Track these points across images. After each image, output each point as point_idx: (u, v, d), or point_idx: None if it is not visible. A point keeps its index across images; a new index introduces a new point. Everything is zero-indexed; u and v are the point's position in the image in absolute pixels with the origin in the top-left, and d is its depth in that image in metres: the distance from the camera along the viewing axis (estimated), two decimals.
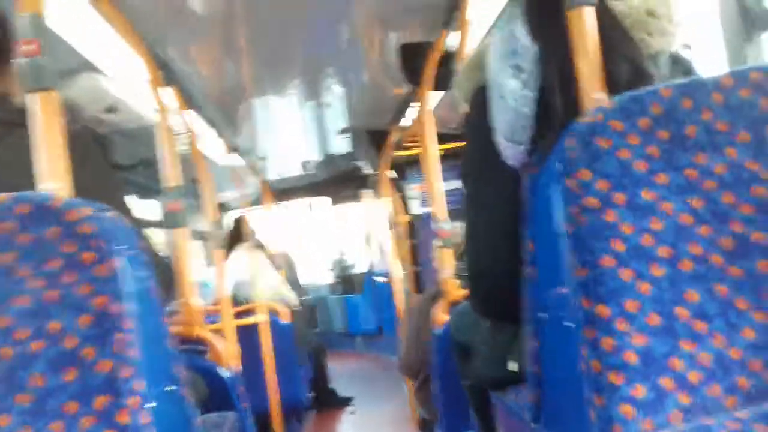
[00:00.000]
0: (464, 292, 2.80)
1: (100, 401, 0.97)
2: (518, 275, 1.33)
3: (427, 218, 4.97)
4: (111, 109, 2.89)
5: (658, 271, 1.02)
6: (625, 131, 1.08)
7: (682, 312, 1.01)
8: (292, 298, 4.30)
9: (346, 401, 5.23)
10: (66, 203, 1.04)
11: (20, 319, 1.00)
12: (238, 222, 4.09)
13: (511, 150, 1.32)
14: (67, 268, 1.01)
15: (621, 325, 0.99)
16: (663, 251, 1.04)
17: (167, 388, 1.16)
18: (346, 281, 8.25)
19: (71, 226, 1.02)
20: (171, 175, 2.23)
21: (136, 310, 1.05)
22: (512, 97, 1.29)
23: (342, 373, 6.06)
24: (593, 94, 1.16)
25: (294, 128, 5.11)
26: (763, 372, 1.01)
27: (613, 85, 1.19)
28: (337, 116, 4.96)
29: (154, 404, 1.04)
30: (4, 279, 1.01)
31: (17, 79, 1.19)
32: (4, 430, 0.96)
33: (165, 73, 2.41)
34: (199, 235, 5.32)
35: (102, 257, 1.01)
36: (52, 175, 1.11)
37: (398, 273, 4.78)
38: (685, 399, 0.98)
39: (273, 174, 6.73)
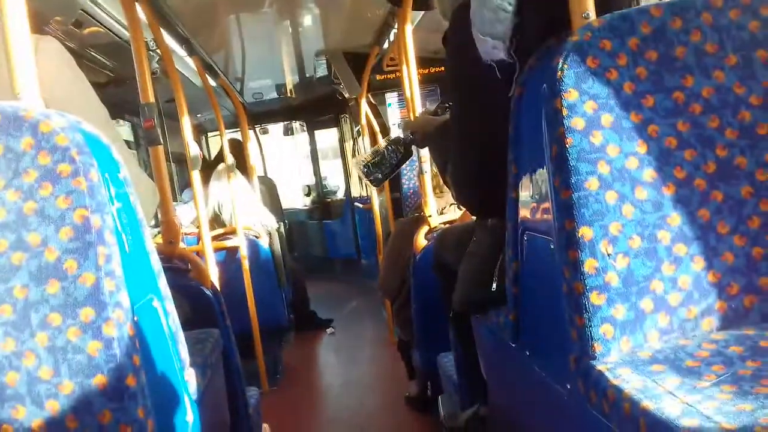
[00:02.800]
0: (443, 219, 2.82)
1: (85, 314, 0.96)
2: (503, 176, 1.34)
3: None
4: (79, 23, 2.77)
5: (641, 194, 1.02)
6: (614, 51, 1.06)
7: (663, 235, 1.02)
8: (272, 221, 4.29)
9: (325, 323, 5.32)
10: (39, 114, 1.01)
11: None
12: (227, 148, 4.04)
13: (484, 45, 1.30)
14: (43, 179, 0.98)
15: (604, 247, 0.99)
16: (647, 174, 1.03)
17: (152, 303, 1.16)
18: (325, 206, 8.25)
19: (46, 137, 0.99)
20: (145, 92, 2.17)
21: (118, 224, 1.03)
22: None
23: (321, 296, 6.14)
24: (582, 11, 1.13)
25: (269, 49, 4.99)
26: (740, 296, 1.03)
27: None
28: (313, 38, 4.83)
29: (138, 318, 1.04)
30: None
31: None
32: None
33: None
34: (176, 157, 5.24)
35: (78, 169, 0.99)
36: (24, 86, 1.07)
37: (377, 199, 4.79)
38: (663, 320, 1.00)
39: (249, 97, 6.61)
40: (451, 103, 1.64)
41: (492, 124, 1.38)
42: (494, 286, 1.47)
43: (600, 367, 0.96)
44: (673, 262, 1.02)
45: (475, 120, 1.47)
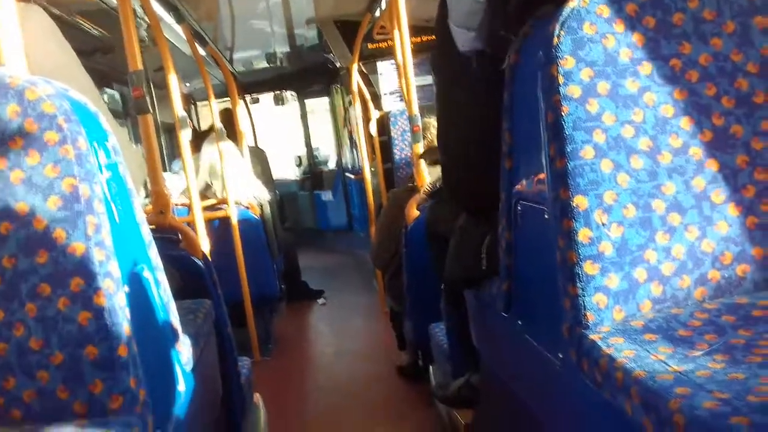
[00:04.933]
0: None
1: (75, 283, 0.95)
2: (491, 167, 1.32)
3: (398, 114, 4.90)
4: None
5: (637, 163, 1.01)
6: (611, 17, 1.04)
7: (658, 204, 1.02)
8: (264, 192, 4.26)
9: (317, 294, 5.34)
10: (25, 81, 0.98)
11: None
12: (217, 116, 3.99)
13: (462, 36, 1.29)
14: (30, 147, 0.96)
15: (598, 217, 0.99)
16: (643, 143, 1.02)
17: (143, 273, 1.15)
18: (316, 177, 8.22)
19: (32, 104, 0.97)
20: (133, 59, 2.13)
21: (107, 193, 1.01)
22: None
23: (313, 267, 6.15)
24: None
25: (259, 17, 4.91)
26: (734, 265, 1.03)
27: None
28: (304, 5, 4.76)
29: (129, 287, 1.03)
30: None
31: None
32: None
33: None
34: (166, 127, 5.19)
35: (66, 137, 0.97)
36: (8, 53, 1.04)
37: (369, 170, 4.77)
38: (656, 290, 1.00)
39: (239, 66, 6.53)
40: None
41: (473, 106, 1.37)
42: (484, 263, 1.46)
43: (593, 336, 0.96)
44: (668, 232, 1.02)
45: (458, 99, 1.46)
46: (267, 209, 4.17)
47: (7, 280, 0.96)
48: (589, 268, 0.98)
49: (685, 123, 1.04)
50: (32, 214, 0.96)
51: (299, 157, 8.34)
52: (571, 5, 1.04)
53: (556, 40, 1.02)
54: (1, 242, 0.96)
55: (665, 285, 1.01)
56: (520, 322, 1.29)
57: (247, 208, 3.94)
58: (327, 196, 7.82)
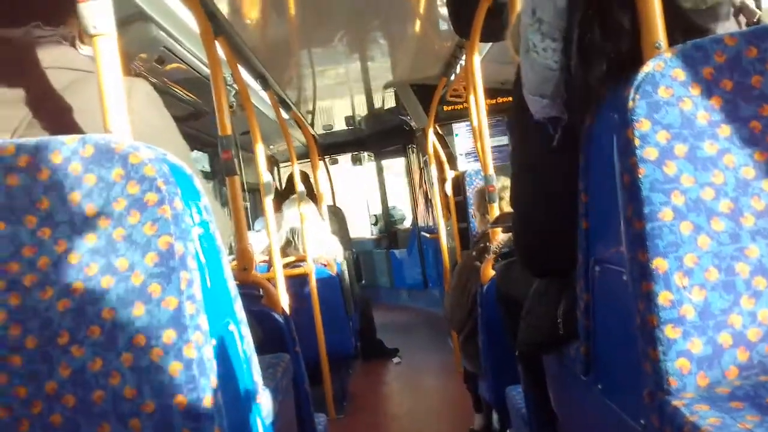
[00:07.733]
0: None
1: (167, 335, 1.01)
2: (563, 231, 1.32)
3: (473, 174, 4.94)
4: (161, 60, 2.92)
5: (718, 225, 1.00)
6: (687, 80, 1.05)
7: (742, 268, 0.99)
8: (340, 250, 4.35)
9: (392, 352, 5.33)
10: (129, 146, 1.07)
11: (90, 255, 1.04)
12: (298, 177, 4.16)
13: (535, 104, 1.30)
14: (132, 208, 1.04)
15: (679, 279, 0.97)
16: (724, 205, 1.01)
17: (229, 327, 1.20)
18: (392, 236, 8.29)
19: (135, 168, 1.05)
20: (223, 125, 2.26)
21: (199, 250, 1.08)
22: (536, 51, 1.26)
23: (388, 325, 6.15)
24: (653, 41, 1.12)
25: (339, 83, 5.12)
26: None
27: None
28: (381, 70, 4.93)
29: (216, 340, 1.08)
30: (73, 217, 1.05)
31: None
32: (78, 360, 1.02)
33: (214, 24, 2.42)
34: (249, 187, 5.39)
35: (164, 198, 1.04)
36: (114, 121, 1.14)
37: (444, 229, 4.79)
38: (742, 356, 0.97)
39: (319, 128, 6.77)
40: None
41: (545, 172, 1.38)
42: (561, 328, 1.44)
43: (676, 402, 0.93)
44: (753, 296, 0.99)
45: (531, 164, 1.47)
46: (344, 267, 4.24)
47: (106, 331, 1.03)
48: (670, 331, 0.96)
49: (767, 185, 1.02)
50: (131, 269, 1.03)
51: (375, 215, 8.47)
52: (645, 70, 1.05)
53: (631, 103, 1.03)
54: (103, 295, 1.03)
55: (752, 351, 0.98)
56: (599, 386, 1.26)
57: (325, 265, 4.02)
58: (402, 254, 7.87)
